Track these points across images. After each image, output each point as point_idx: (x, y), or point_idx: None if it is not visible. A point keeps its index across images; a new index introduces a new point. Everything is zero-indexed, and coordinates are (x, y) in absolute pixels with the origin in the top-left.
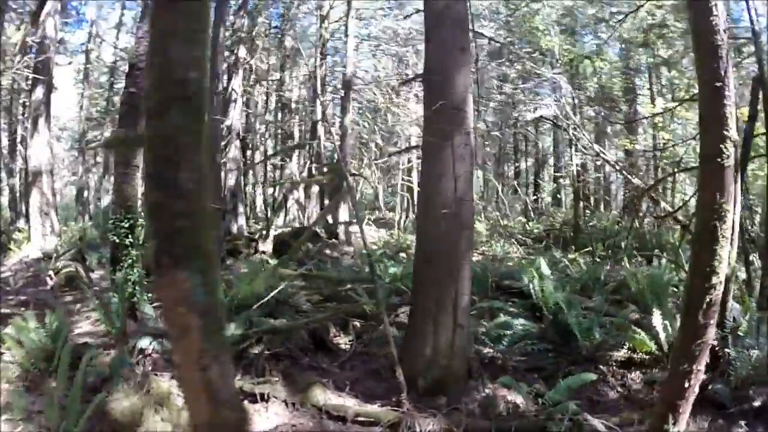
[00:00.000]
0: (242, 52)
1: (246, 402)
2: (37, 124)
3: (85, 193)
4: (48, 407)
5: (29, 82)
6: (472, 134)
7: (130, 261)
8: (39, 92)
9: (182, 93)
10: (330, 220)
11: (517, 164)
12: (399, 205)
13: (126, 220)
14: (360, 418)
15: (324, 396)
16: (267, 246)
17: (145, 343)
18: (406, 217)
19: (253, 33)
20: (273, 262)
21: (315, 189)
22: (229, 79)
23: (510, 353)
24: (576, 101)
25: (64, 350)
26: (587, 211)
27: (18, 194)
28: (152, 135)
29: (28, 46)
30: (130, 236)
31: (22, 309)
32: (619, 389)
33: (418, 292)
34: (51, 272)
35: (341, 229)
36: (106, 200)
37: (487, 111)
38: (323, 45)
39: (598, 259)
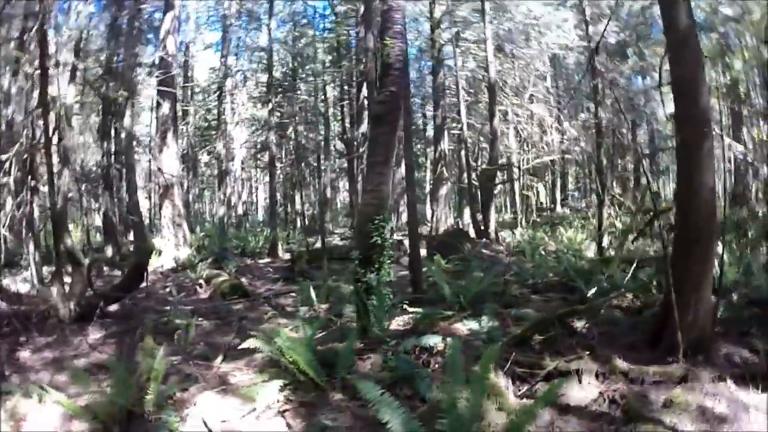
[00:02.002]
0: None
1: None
2: (165, 138)
3: (196, 206)
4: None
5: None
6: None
7: (388, 261)
8: (166, 107)
9: None
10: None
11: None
12: (520, 205)
13: (385, 221)
14: (654, 378)
15: (623, 364)
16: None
17: (435, 340)
18: (526, 218)
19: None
20: (442, 262)
21: (443, 192)
22: (359, 90)
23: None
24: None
25: (343, 356)
26: None
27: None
28: None
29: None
30: (384, 237)
31: (200, 319)
32: None
33: (682, 268)
34: (201, 281)
35: (492, 229)
36: (221, 211)
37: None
38: (438, 51)
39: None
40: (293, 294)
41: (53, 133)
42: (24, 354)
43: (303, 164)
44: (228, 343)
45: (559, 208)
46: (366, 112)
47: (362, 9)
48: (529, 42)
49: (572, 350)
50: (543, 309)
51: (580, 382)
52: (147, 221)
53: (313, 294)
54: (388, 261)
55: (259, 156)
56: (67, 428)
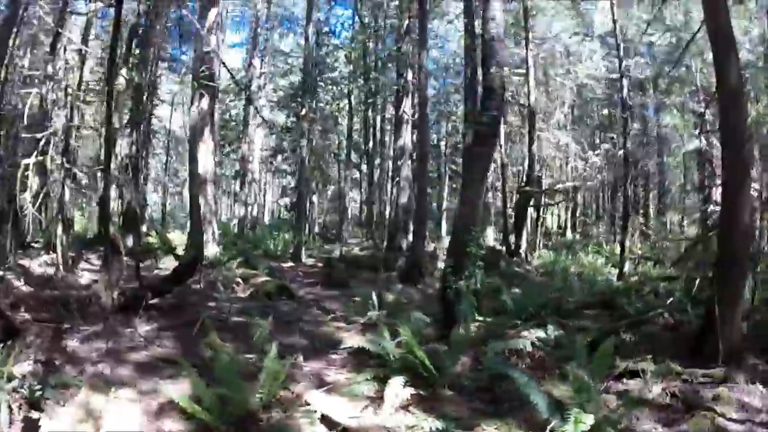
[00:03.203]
0: (410, 75)
1: (624, 379)
2: (203, 133)
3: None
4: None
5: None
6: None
7: (479, 269)
8: (204, 103)
9: None
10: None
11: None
12: (533, 228)
13: (481, 232)
14: (701, 379)
15: (677, 367)
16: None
17: (524, 343)
18: (543, 241)
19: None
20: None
21: None
22: (400, 102)
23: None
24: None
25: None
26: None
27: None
28: None
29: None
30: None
31: (256, 318)
32: None
33: (722, 287)
34: (238, 280)
35: (523, 249)
36: (241, 212)
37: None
38: (473, 72)
39: None
40: (336, 299)
41: (137, 115)
42: (72, 343)
43: (317, 171)
44: (299, 343)
45: (569, 234)
46: (405, 126)
47: (405, 24)
48: (554, 68)
49: (634, 355)
50: (596, 322)
51: (646, 381)
52: (160, 216)
53: (375, 299)
54: (480, 269)
55: (270, 160)
56: (157, 427)
